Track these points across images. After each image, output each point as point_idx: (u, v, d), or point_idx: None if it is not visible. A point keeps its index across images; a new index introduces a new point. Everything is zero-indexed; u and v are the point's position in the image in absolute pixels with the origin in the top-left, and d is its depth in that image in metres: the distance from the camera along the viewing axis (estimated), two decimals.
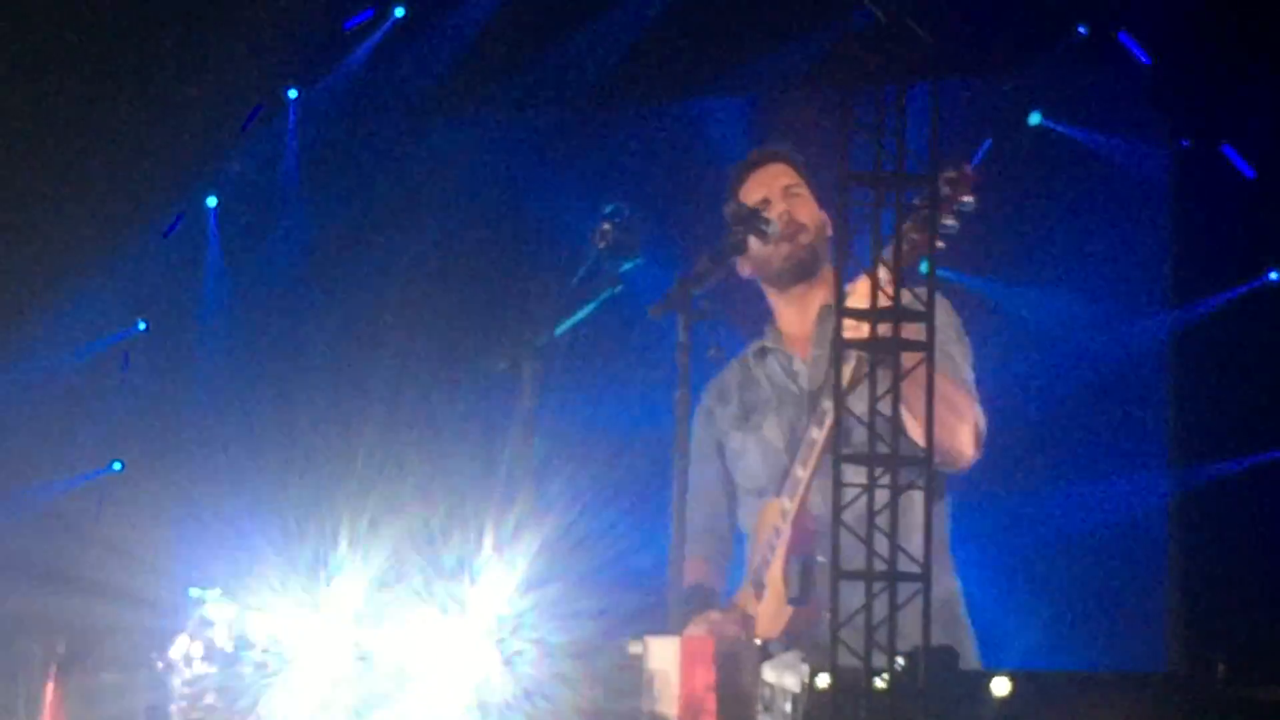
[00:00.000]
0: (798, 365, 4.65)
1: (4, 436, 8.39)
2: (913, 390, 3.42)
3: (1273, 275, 7.38)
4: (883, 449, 3.35)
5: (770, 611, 4.35)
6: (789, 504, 4.33)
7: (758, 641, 3.88)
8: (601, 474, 5.74)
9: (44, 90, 8.30)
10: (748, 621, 4.41)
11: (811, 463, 4.29)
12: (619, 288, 4.36)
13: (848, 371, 3.75)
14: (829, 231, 4.64)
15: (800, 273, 4.66)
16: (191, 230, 8.84)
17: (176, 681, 6.20)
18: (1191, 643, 7.20)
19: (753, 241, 4.53)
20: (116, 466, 8.77)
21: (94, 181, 8.42)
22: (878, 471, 3.34)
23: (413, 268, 8.32)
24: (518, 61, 8.22)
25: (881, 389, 3.37)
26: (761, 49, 7.73)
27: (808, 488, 4.29)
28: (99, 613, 7.92)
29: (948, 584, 4.54)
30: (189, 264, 8.85)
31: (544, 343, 4.33)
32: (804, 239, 4.64)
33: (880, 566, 3.30)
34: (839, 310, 3.45)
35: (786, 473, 4.42)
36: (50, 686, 7.20)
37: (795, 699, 3.52)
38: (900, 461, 3.35)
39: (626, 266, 4.33)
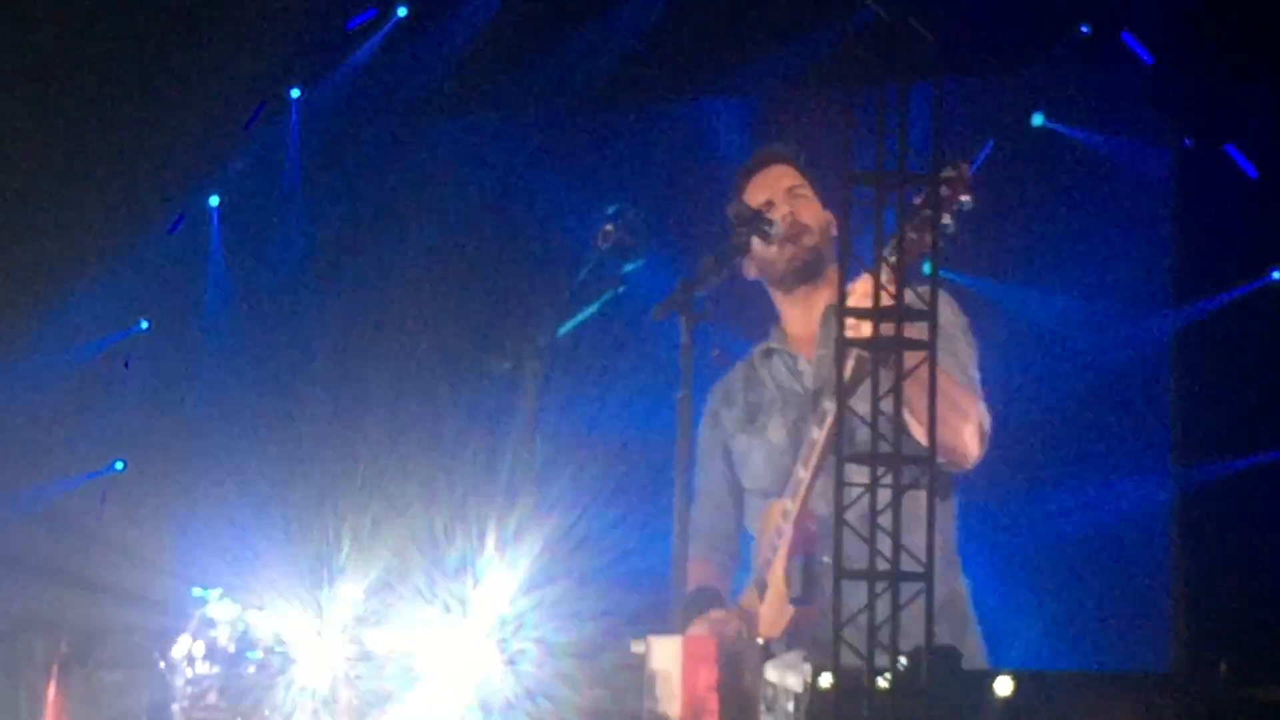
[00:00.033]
0: (803, 365, 4.65)
1: (6, 435, 8.39)
2: (915, 389, 3.42)
3: (1275, 274, 7.38)
4: (885, 448, 3.35)
5: (772, 611, 4.34)
6: (790, 504, 4.33)
7: (760, 641, 3.88)
8: (603, 474, 5.74)
9: (46, 91, 8.30)
10: (750, 621, 4.40)
11: (812, 462, 4.29)
12: (621, 289, 4.36)
13: (849, 371, 3.75)
14: (833, 231, 4.64)
15: (805, 274, 4.66)
16: (194, 229, 8.84)
17: (179, 681, 6.21)
18: (1194, 642, 7.20)
19: (756, 243, 4.53)
20: (119, 466, 8.77)
21: (96, 181, 8.42)
22: (880, 471, 3.34)
23: (415, 267, 8.32)
24: (520, 61, 8.22)
25: (884, 388, 3.37)
26: (763, 48, 7.73)
27: (809, 488, 4.29)
28: (101, 612, 7.93)
29: (956, 584, 4.54)
30: (191, 263, 8.85)
31: (546, 343, 4.33)
32: (808, 240, 4.63)
33: (883, 566, 3.30)
34: (840, 310, 3.45)
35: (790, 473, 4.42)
36: (52, 685, 7.20)
37: (798, 698, 3.52)
38: (903, 461, 3.35)
39: (629, 267, 4.33)
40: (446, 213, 8.40)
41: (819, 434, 4.29)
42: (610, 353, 6.33)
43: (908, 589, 3.30)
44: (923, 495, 3.36)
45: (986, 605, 4.66)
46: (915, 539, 3.34)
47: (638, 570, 5.22)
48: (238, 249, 8.83)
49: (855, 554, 3.33)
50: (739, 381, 4.76)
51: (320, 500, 7.94)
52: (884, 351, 3.40)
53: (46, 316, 8.47)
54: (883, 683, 3.30)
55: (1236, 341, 7.22)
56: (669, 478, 4.21)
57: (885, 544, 3.31)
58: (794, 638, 4.15)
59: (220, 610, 6.31)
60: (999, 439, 4.43)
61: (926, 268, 3.59)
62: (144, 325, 8.85)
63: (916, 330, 3.41)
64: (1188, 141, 7.40)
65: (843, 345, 3.46)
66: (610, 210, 4.32)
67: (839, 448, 3.39)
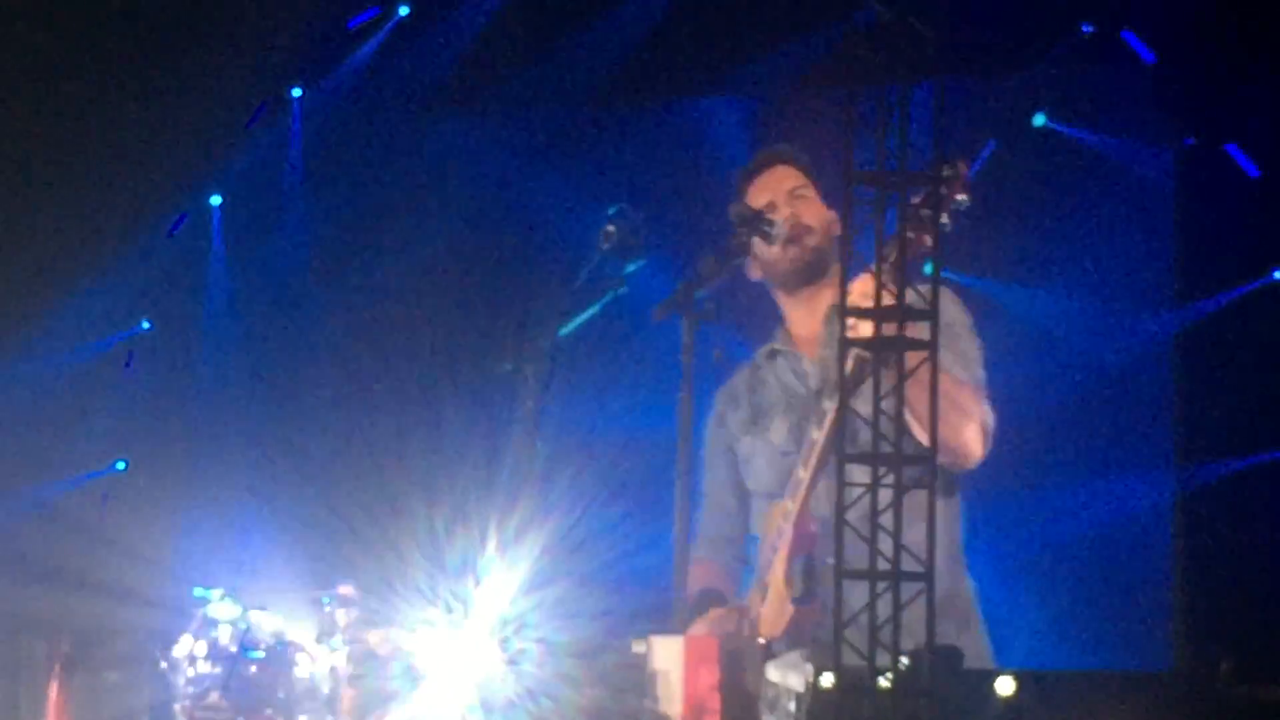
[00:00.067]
0: (807, 366, 4.65)
1: (8, 435, 8.39)
2: (916, 389, 3.41)
3: (1277, 274, 7.38)
4: (886, 448, 3.35)
5: (772, 611, 4.34)
6: (791, 505, 4.32)
7: (762, 641, 3.87)
8: (605, 474, 5.73)
9: (47, 90, 8.30)
10: (751, 621, 4.40)
11: (812, 463, 4.29)
12: (623, 289, 4.35)
13: (851, 371, 3.74)
14: (836, 231, 4.63)
15: (808, 275, 4.65)
16: (195, 229, 8.84)
17: (180, 680, 6.22)
18: (1196, 641, 7.20)
19: (759, 244, 4.52)
20: (120, 466, 8.77)
21: (98, 180, 8.42)
22: (881, 471, 3.34)
23: (416, 267, 8.33)
24: (522, 60, 8.23)
25: (885, 388, 3.37)
26: (764, 48, 7.73)
27: (809, 488, 4.29)
28: (103, 612, 7.93)
29: (962, 584, 4.53)
30: (193, 263, 8.86)
31: (548, 343, 4.32)
32: (811, 241, 4.63)
33: (884, 566, 3.30)
34: (842, 309, 3.45)
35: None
36: (54, 685, 7.21)
37: (799, 698, 3.52)
38: (904, 460, 3.35)
39: (630, 268, 4.32)
40: (447, 212, 8.40)
41: (819, 434, 4.28)
42: (611, 353, 6.34)
43: (909, 589, 3.30)
44: (924, 495, 3.36)
45: (988, 604, 4.66)
46: (917, 538, 3.34)
47: (639, 570, 5.22)
48: (239, 248, 8.84)
49: (856, 554, 3.32)
50: (743, 383, 4.75)
51: (322, 500, 7.96)
52: (886, 351, 3.40)
53: (48, 316, 8.47)
54: (884, 683, 3.30)
55: (1238, 341, 7.22)
56: (670, 478, 4.21)
57: (887, 544, 3.31)
58: (793, 637, 4.15)
59: (222, 610, 6.33)
60: (1001, 439, 4.43)
61: (928, 267, 3.58)
62: (145, 325, 8.85)
63: (918, 330, 3.41)
64: (1189, 141, 7.41)
65: (844, 345, 3.46)
66: (611, 210, 4.31)
67: (839, 447, 3.38)
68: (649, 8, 7.98)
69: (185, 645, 6.27)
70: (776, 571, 4.32)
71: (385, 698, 4.70)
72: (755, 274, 4.67)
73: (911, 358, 3.40)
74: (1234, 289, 7.36)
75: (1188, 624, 7.29)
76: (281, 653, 6.20)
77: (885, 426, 3.35)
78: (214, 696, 6.15)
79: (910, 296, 3.44)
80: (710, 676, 3.76)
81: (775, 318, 4.76)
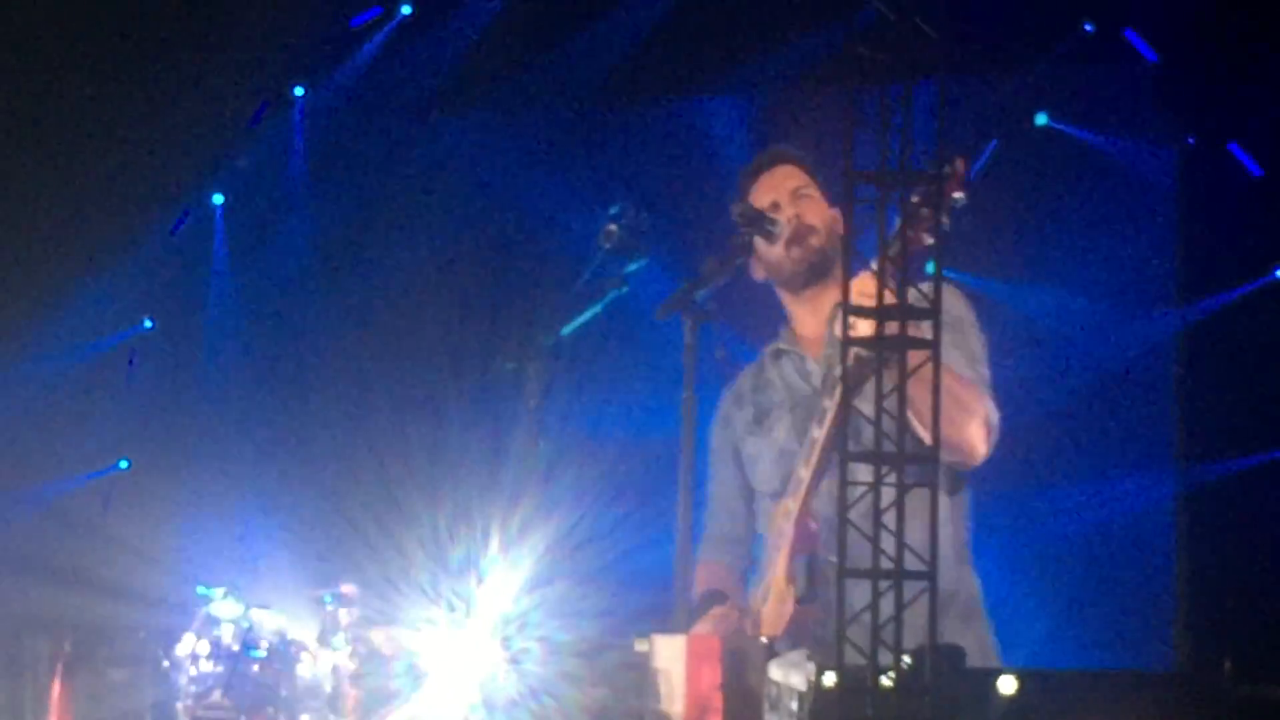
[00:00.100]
0: (811, 366, 4.65)
1: (11, 435, 8.40)
2: (919, 388, 3.41)
3: (1279, 273, 7.38)
4: (889, 446, 3.35)
5: (774, 610, 4.34)
6: (792, 504, 4.32)
7: (764, 640, 3.87)
8: (607, 474, 5.74)
9: (49, 90, 8.31)
10: (754, 620, 4.40)
11: (813, 461, 4.28)
12: (624, 289, 4.35)
13: (853, 369, 3.74)
14: (840, 231, 4.63)
15: (812, 274, 4.65)
16: (198, 228, 8.85)
17: (183, 679, 6.21)
18: (1198, 641, 7.20)
19: (762, 243, 4.52)
20: (123, 465, 8.78)
21: (100, 179, 8.43)
22: (884, 470, 3.34)
23: (418, 266, 8.33)
24: (524, 60, 8.23)
25: (888, 387, 3.37)
26: (765, 48, 7.73)
27: (810, 487, 4.29)
28: (105, 611, 7.94)
29: (968, 583, 4.53)
30: (195, 262, 8.86)
31: (550, 343, 4.33)
32: (814, 241, 4.62)
33: (887, 565, 3.30)
34: (844, 308, 3.45)
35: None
36: (57, 684, 7.22)
37: (802, 697, 3.52)
38: (906, 459, 3.35)
39: (632, 267, 4.32)
40: (450, 211, 8.41)
41: (819, 433, 4.28)
42: (614, 353, 6.34)
43: (912, 587, 3.30)
44: (927, 493, 3.36)
45: (990, 602, 4.66)
46: (920, 537, 3.33)
47: (641, 569, 5.23)
48: (241, 247, 8.84)
49: (859, 553, 3.32)
50: (748, 384, 4.75)
51: (324, 500, 7.96)
52: (888, 350, 3.40)
53: (51, 315, 8.48)
54: (887, 681, 3.30)
55: (1240, 340, 7.22)
56: (672, 477, 4.21)
57: (889, 542, 3.31)
58: (795, 636, 4.15)
59: (224, 609, 6.33)
60: (1003, 438, 4.43)
61: (929, 266, 3.58)
62: (148, 324, 8.86)
63: (921, 329, 3.41)
64: (1191, 140, 7.41)
65: (846, 344, 3.46)
66: (613, 210, 4.32)
67: (842, 446, 3.38)
68: (650, 7, 7.98)
69: (188, 644, 6.26)
70: (778, 570, 4.32)
71: (388, 696, 4.70)
72: (759, 274, 4.67)
73: (914, 356, 3.40)
74: (1236, 288, 7.36)
75: (1190, 623, 7.29)
76: (284, 651, 6.20)
77: (888, 425, 3.35)
78: (216, 695, 6.15)
79: (912, 295, 3.44)
80: (712, 675, 3.76)
81: (777, 317, 4.76)
